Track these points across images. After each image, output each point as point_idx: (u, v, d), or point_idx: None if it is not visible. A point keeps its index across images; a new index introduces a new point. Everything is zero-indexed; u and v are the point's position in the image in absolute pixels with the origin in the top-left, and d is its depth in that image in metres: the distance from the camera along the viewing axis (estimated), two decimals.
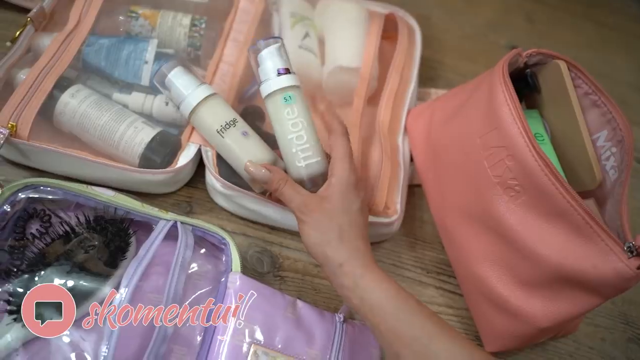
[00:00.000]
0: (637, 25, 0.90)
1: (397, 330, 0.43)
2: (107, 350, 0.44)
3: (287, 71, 0.51)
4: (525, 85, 0.58)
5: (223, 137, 0.51)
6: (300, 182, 0.51)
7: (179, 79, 0.52)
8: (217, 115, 0.51)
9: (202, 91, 0.52)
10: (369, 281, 0.45)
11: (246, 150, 0.51)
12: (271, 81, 0.50)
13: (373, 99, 0.66)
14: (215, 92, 0.52)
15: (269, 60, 0.51)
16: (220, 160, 0.55)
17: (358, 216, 0.48)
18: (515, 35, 0.82)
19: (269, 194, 0.55)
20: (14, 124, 0.52)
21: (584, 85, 0.55)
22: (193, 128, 0.57)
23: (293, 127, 0.50)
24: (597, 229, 0.47)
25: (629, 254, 0.46)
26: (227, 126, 0.51)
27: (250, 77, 0.63)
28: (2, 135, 0.51)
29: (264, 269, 0.56)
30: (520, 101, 0.60)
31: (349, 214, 0.48)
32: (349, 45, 0.65)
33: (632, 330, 0.61)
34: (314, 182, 0.51)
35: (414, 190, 0.64)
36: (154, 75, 0.52)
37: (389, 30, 0.70)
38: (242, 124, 0.52)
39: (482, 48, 0.79)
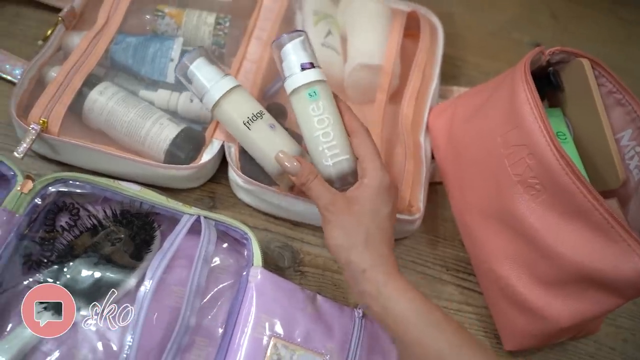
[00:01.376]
0: None
1: (422, 343, 0.42)
2: (132, 340, 0.46)
3: (312, 65, 0.49)
4: (548, 83, 0.57)
5: (250, 129, 0.49)
6: (329, 181, 0.49)
7: (201, 70, 0.50)
8: (242, 107, 0.50)
9: (227, 83, 0.50)
10: (393, 290, 0.43)
11: (273, 143, 0.49)
12: (295, 76, 0.49)
13: (395, 97, 0.67)
14: (239, 84, 0.51)
15: (293, 54, 0.49)
16: (243, 156, 0.56)
17: (386, 220, 0.46)
18: (539, 32, 0.82)
19: (293, 188, 0.54)
20: (45, 120, 0.54)
21: (607, 84, 0.55)
22: (217, 124, 0.58)
23: (319, 123, 0.48)
24: (619, 228, 0.46)
25: None
26: (254, 118, 0.49)
27: (274, 74, 0.64)
28: (34, 131, 0.53)
29: (284, 263, 0.57)
30: (543, 99, 0.59)
31: (377, 217, 0.46)
32: (371, 42, 0.66)
33: None
34: (344, 181, 0.50)
35: (434, 187, 0.64)
36: (176, 67, 0.50)
37: (412, 28, 0.70)
38: (268, 117, 0.50)
39: (505, 46, 0.78)
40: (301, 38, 0.50)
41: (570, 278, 0.50)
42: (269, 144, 0.49)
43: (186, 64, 0.50)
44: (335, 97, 0.51)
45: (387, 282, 0.43)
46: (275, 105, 0.64)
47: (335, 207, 0.46)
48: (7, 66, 0.61)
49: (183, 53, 0.61)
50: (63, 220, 0.53)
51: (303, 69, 0.49)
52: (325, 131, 0.48)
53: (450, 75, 0.74)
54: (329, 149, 0.48)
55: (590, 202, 0.47)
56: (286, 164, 0.48)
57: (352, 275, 0.45)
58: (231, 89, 0.49)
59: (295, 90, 0.49)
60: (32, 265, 0.50)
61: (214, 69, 0.50)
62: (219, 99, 0.49)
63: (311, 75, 0.49)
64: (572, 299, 0.51)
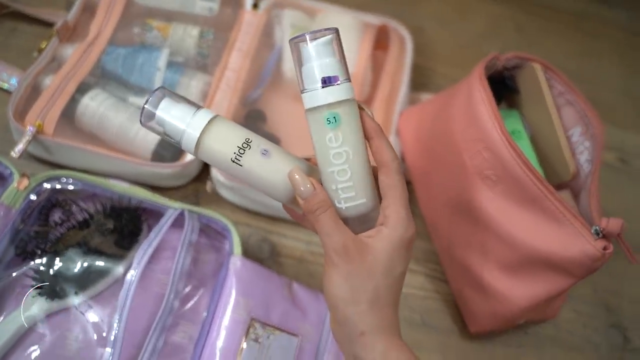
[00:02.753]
0: (626, 34, 0.95)
1: None
2: (119, 322, 0.49)
3: (337, 80, 0.37)
4: (505, 87, 0.62)
5: (241, 165, 0.39)
6: (343, 221, 0.39)
7: (170, 112, 0.39)
8: (226, 142, 0.39)
9: (201, 118, 0.39)
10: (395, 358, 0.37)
11: (273, 171, 0.39)
12: (313, 93, 0.37)
13: (366, 103, 0.72)
14: (216, 115, 0.40)
15: (315, 60, 0.37)
16: None
17: (399, 281, 0.39)
18: (506, 45, 0.87)
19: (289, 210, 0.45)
20: (41, 122, 0.58)
21: (558, 85, 0.60)
22: None
23: (335, 158, 0.38)
24: (567, 213, 0.51)
25: (595, 236, 0.50)
26: (242, 151, 0.39)
27: (253, 82, 0.69)
28: (30, 132, 0.57)
29: (263, 255, 0.61)
30: (501, 101, 0.65)
31: (391, 276, 0.38)
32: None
33: (613, 317, 0.65)
34: (359, 225, 0.40)
35: None
36: (141, 116, 0.40)
37: (383, 41, 0.75)
38: (257, 141, 0.39)
39: (472, 57, 0.83)
40: (328, 38, 0.37)
41: (526, 261, 0.54)
42: (269, 173, 0.39)
43: (150, 110, 0.40)
44: (364, 117, 0.39)
45: (386, 353, 0.37)
46: (256, 112, 0.68)
47: (346, 251, 0.37)
48: (5, 75, 0.65)
49: (169, 63, 0.66)
50: (56, 215, 0.57)
51: (324, 84, 0.37)
52: (342, 169, 0.38)
53: (420, 83, 0.79)
54: (343, 190, 0.38)
55: (540, 189, 0.51)
56: (300, 186, 0.38)
57: (346, 334, 0.38)
58: (208, 123, 0.39)
59: (312, 110, 0.38)
60: (27, 255, 0.54)
61: (184, 106, 0.40)
62: (198, 141, 0.39)
63: (334, 94, 0.37)
64: (529, 281, 0.55)
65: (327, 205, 0.38)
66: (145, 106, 0.40)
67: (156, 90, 0.40)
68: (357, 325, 0.37)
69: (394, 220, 0.38)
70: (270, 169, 0.39)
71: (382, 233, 0.38)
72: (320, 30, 0.37)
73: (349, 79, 0.38)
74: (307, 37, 0.37)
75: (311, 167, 0.40)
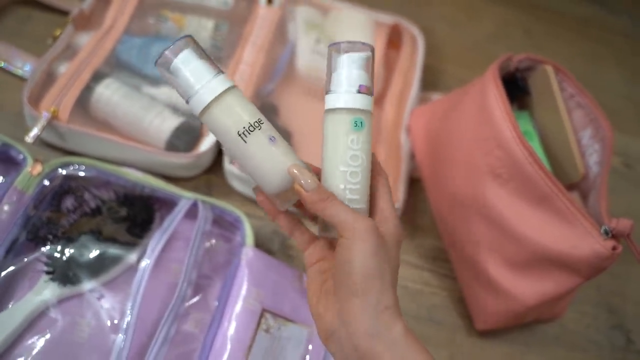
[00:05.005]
0: (629, 40, 0.96)
1: None
2: (132, 308, 0.50)
3: (368, 91, 0.40)
4: (516, 88, 0.63)
5: (246, 142, 0.39)
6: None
7: (189, 66, 0.39)
8: (237, 115, 0.39)
9: (220, 83, 0.39)
10: (413, 344, 0.37)
11: (274, 159, 0.39)
12: (344, 96, 0.39)
13: (378, 101, 0.72)
14: (234, 85, 0.40)
15: (351, 69, 0.40)
16: None
17: (397, 273, 0.40)
18: (513, 47, 0.88)
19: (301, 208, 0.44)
20: (56, 109, 0.58)
21: (569, 88, 0.61)
22: None
23: (352, 159, 0.40)
24: (577, 213, 0.52)
25: (604, 235, 0.51)
26: (252, 128, 0.39)
27: (267, 76, 0.69)
28: (45, 118, 0.57)
29: (274, 247, 0.61)
30: (512, 103, 0.65)
31: (397, 264, 0.40)
32: None
33: (615, 318, 0.66)
34: None
35: (413, 183, 0.69)
36: (157, 58, 0.39)
37: (395, 40, 0.76)
38: (268, 127, 0.40)
39: (481, 58, 0.84)
40: (368, 54, 0.40)
41: (535, 260, 0.55)
42: (269, 159, 0.39)
43: (169, 56, 0.39)
44: None
45: (406, 335, 0.37)
46: (268, 106, 0.69)
47: (375, 229, 0.38)
48: (19, 62, 0.65)
49: None
50: (68, 202, 0.57)
51: (359, 91, 0.40)
52: (355, 171, 0.40)
53: (430, 83, 0.79)
54: (351, 191, 0.40)
55: (551, 188, 0.52)
56: (302, 180, 0.39)
57: (366, 309, 0.37)
58: (225, 90, 0.39)
59: (338, 111, 0.40)
60: (39, 241, 0.54)
61: (205, 65, 0.39)
62: (210, 103, 0.39)
63: (365, 102, 0.40)
64: (537, 280, 0.56)
65: (332, 194, 0.40)
66: (166, 51, 0.39)
67: (183, 37, 0.39)
68: (381, 299, 0.37)
69: (394, 220, 0.41)
70: (272, 156, 0.39)
71: (388, 226, 0.40)
72: (357, 42, 0.41)
73: (373, 94, 0.41)
74: (349, 45, 0.41)
75: (310, 170, 0.41)
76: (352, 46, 0.40)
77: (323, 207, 0.39)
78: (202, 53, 0.40)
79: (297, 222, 0.44)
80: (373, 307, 0.37)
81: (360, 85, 0.40)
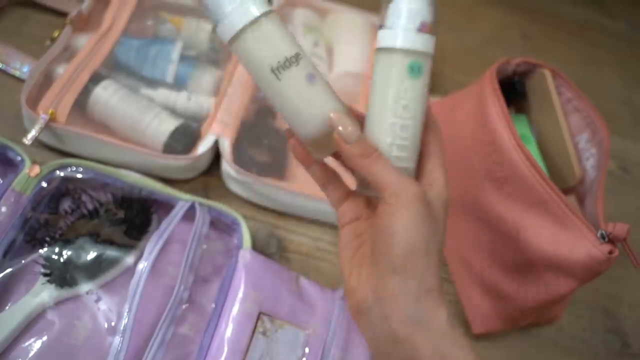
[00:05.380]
0: (627, 44, 0.97)
1: None
2: (129, 311, 0.49)
3: (431, 30, 0.35)
4: (514, 91, 0.63)
5: (279, 79, 0.34)
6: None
7: None
8: (273, 46, 0.34)
9: (255, 7, 0.34)
10: (460, 337, 0.33)
11: (310, 101, 0.35)
12: (401, 33, 0.34)
13: None
14: (273, 10, 0.35)
15: (414, 2, 0.35)
16: (236, 149, 0.61)
17: (442, 255, 0.37)
18: (511, 51, 0.88)
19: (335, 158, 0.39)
20: (54, 110, 0.58)
21: (566, 92, 0.61)
22: (213, 120, 0.63)
23: (404, 110, 0.35)
24: (573, 217, 0.52)
25: (601, 240, 0.51)
26: (287, 64, 0.34)
27: None
28: (43, 120, 0.57)
29: (270, 250, 0.61)
30: (510, 106, 0.65)
31: (444, 233, 0.36)
32: (355, 52, 0.72)
33: (611, 322, 0.66)
34: None
35: None
36: None
37: None
38: (306, 63, 0.35)
39: (479, 62, 0.84)
40: None
41: (531, 263, 0.55)
42: (306, 101, 0.35)
43: None
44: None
45: (451, 325, 0.33)
46: (266, 109, 0.69)
47: (423, 196, 0.33)
48: (17, 63, 0.65)
49: (182, 57, 0.66)
50: (66, 204, 0.57)
51: (420, 30, 0.35)
52: (406, 123, 0.35)
53: None
54: (399, 147, 0.35)
55: (548, 192, 0.52)
56: (342, 130, 0.34)
57: (408, 289, 0.32)
58: (261, 15, 0.34)
59: (393, 51, 0.35)
60: (36, 243, 0.54)
61: None
62: (241, 30, 0.34)
63: (426, 43, 0.35)
64: (534, 283, 0.56)
65: (376, 147, 0.35)
66: None
67: None
68: (425, 280, 0.32)
69: (443, 183, 0.36)
70: (310, 97, 0.35)
71: (435, 190, 0.35)
72: None
73: (436, 34, 0.36)
74: None
75: (352, 118, 0.36)
76: None
77: (365, 163, 0.34)
78: None
79: (332, 174, 0.39)
80: (415, 287, 0.32)
81: (421, 22, 0.35)
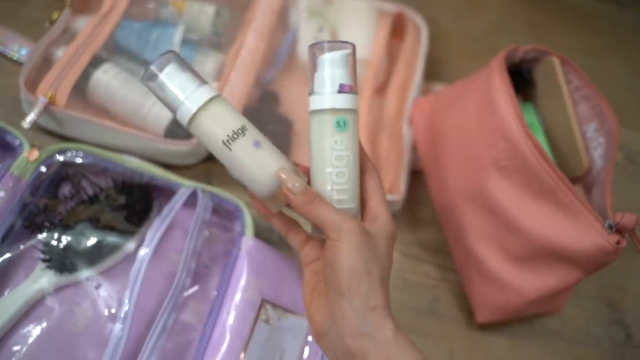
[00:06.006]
0: (633, 34, 0.95)
1: None
2: (130, 297, 0.49)
3: (351, 90, 0.40)
4: (521, 79, 0.62)
5: (231, 149, 0.40)
6: None
7: (173, 79, 0.40)
8: (222, 123, 0.40)
9: (203, 94, 0.40)
10: (404, 343, 0.37)
11: (260, 163, 0.40)
12: (326, 96, 0.40)
13: (381, 90, 0.71)
14: (218, 94, 0.41)
15: (331, 68, 0.40)
16: None
17: (390, 271, 0.40)
18: (517, 39, 0.86)
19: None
20: (53, 93, 0.57)
21: (575, 80, 0.60)
22: None
23: (337, 160, 0.40)
24: (581, 206, 0.51)
25: (608, 230, 0.50)
26: (235, 136, 0.40)
27: (269, 63, 0.68)
28: (42, 103, 0.56)
29: (273, 238, 0.61)
30: (517, 94, 0.64)
31: (388, 263, 0.40)
32: (360, 38, 0.70)
33: (615, 314, 0.65)
34: None
35: (415, 175, 0.68)
36: (143, 75, 0.40)
37: (398, 29, 0.75)
38: (252, 132, 0.40)
39: (484, 49, 0.83)
40: (348, 52, 0.40)
41: (537, 253, 0.54)
42: (256, 164, 0.40)
43: (155, 72, 0.40)
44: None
45: (397, 333, 0.37)
46: (269, 94, 0.68)
47: (360, 228, 0.38)
48: (15, 46, 0.64)
49: (184, 40, 0.65)
50: (65, 189, 0.56)
51: (340, 91, 0.40)
52: (341, 171, 0.40)
53: (432, 74, 0.78)
54: (338, 192, 0.40)
55: (555, 181, 0.51)
56: (288, 184, 0.39)
57: (355, 310, 0.37)
58: (209, 100, 0.40)
59: (321, 112, 0.40)
60: (35, 228, 0.53)
61: (189, 77, 0.40)
62: (195, 113, 0.40)
63: (347, 101, 0.40)
64: (539, 273, 0.55)
65: (318, 194, 0.40)
66: (151, 67, 0.40)
67: (166, 53, 0.40)
68: (369, 299, 0.37)
69: (385, 217, 0.40)
70: (259, 160, 0.40)
71: (378, 224, 0.40)
72: (338, 41, 0.41)
73: (357, 92, 0.41)
74: (329, 45, 0.40)
75: (297, 171, 0.41)
76: (333, 45, 0.40)
77: (309, 209, 0.39)
78: (186, 66, 0.41)
79: (291, 223, 0.44)
80: (362, 306, 0.37)
81: (341, 85, 0.40)
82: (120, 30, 0.64)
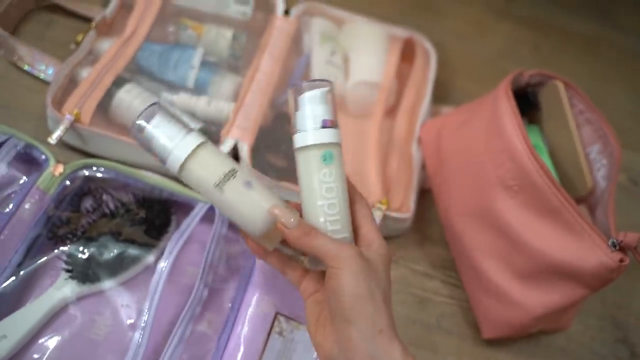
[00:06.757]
0: (635, 59, 0.98)
1: None
2: (149, 307, 0.51)
3: (333, 124, 0.42)
4: (527, 102, 0.65)
5: (223, 192, 0.41)
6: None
7: (161, 129, 0.41)
8: (211, 167, 0.42)
9: (190, 141, 0.41)
10: None
11: (252, 203, 0.42)
12: (309, 133, 0.41)
13: (390, 112, 0.74)
14: (206, 140, 0.42)
15: (312, 106, 0.42)
16: (255, 153, 0.62)
17: (390, 293, 0.41)
18: (522, 63, 0.89)
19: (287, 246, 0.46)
20: (79, 111, 0.60)
21: (579, 104, 0.62)
22: (232, 125, 0.64)
23: (327, 192, 0.41)
24: (585, 225, 0.53)
25: (612, 248, 0.52)
26: (227, 178, 0.41)
27: (284, 86, 0.71)
28: (68, 120, 0.59)
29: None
30: (522, 117, 0.67)
31: (388, 285, 0.41)
32: (371, 62, 0.73)
33: (620, 332, 0.67)
34: None
35: (424, 194, 0.70)
36: (131, 128, 0.42)
37: (408, 53, 0.78)
38: (242, 173, 0.42)
39: (490, 73, 0.86)
40: (326, 89, 0.42)
41: (542, 271, 0.56)
42: (248, 204, 0.42)
43: (142, 125, 0.42)
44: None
45: (406, 356, 0.38)
46: (283, 115, 0.70)
47: (358, 254, 0.40)
48: (42, 66, 0.67)
49: (203, 62, 0.68)
50: (88, 202, 0.58)
51: (323, 126, 0.41)
52: (332, 202, 0.41)
53: (440, 97, 0.81)
54: (331, 223, 0.42)
55: (561, 201, 0.53)
56: (283, 219, 0.41)
57: (361, 333, 0.38)
58: (197, 147, 0.41)
59: (306, 148, 0.42)
60: (59, 240, 0.55)
61: (175, 126, 0.42)
62: (184, 161, 0.41)
63: (330, 135, 0.42)
64: (545, 291, 0.57)
65: (313, 227, 0.41)
66: (137, 121, 0.42)
67: (151, 105, 0.42)
68: (375, 323, 0.38)
69: (379, 242, 0.42)
70: (251, 200, 0.41)
71: (373, 249, 0.41)
72: (316, 80, 0.43)
73: (338, 126, 0.43)
74: (308, 85, 0.42)
75: (289, 207, 0.42)
76: (311, 84, 0.42)
77: (306, 241, 0.40)
78: (172, 115, 0.43)
79: (287, 259, 0.46)
80: (369, 330, 0.38)
81: (323, 120, 0.41)
82: (142, 53, 0.67)
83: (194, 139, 0.42)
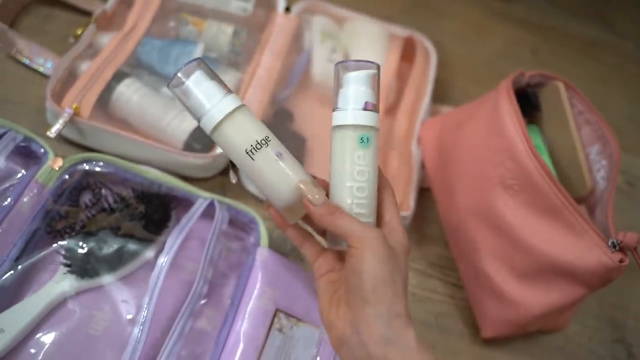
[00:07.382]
0: (633, 65, 0.99)
1: None
2: (149, 302, 0.50)
3: (374, 108, 0.41)
4: (527, 102, 0.65)
5: (253, 159, 0.41)
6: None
7: (200, 87, 0.41)
8: (246, 132, 0.41)
9: (229, 103, 0.41)
10: (426, 352, 0.37)
11: (281, 174, 0.41)
12: (351, 113, 0.41)
13: (391, 111, 0.74)
14: (243, 104, 0.42)
15: (357, 86, 0.41)
16: None
17: (406, 288, 0.41)
18: (521, 65, 0.89)
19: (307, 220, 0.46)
20: (78, 105, 0.59)
21: (578, 105, 0.63)
22: None
23: (359, 175, 0.41)
24: (585, 225, 0.53)
25: (612, 248, 0.52)
26: (259, 146, 0.41)
27: (283, 82, 0.71)
28: (67, 114, 0.58)
29: (286, 249, 0.62)
30: (523, 117, 0.67)
31: (406, 274, 0.41)
32: (371, 60, 0.73)
33: (618, 332, 0.67)
34: None
35: (423, 193, 0.70)
36: (170, 81, 0.41)
37: (408, 52, 0.78)
38: (275, 143, 0.41)
39: (489, 74, 0.87)
40: (372, 72, 0.42)
41: (542, 270, 0.56)
42: (277, 175, 0.41)
43: (181, 78, 0.41)
44: None
45: (420, 342, 0.38)
46: (283, 112, 0.70)
47: (383, 237, 0.39)
48: (41, 59, 0.67)
49: (203, 58, 0.67)
50: (87, 197, 0.57)
51: (365, 108, 0.41)
52: (361, 185, 0.41)
53: (439, 96, 0.81)
54: (358, 206, 0.41)
55: (561, 200, 0.54)
56: (309, 195, 0.40)
57: (378, 316, 0.37)
58: (235, 109, 0.41)
59: (345, 127, 0.41)
60: (57, 234, 0.54)
61: (215, 85, 0.41)
62: (220, 122, 0.40)
63: (371, 118, 0.41)
64: (544, 289, 0.57)
65: (341, 209, 0.41)
66: (178, 73, 0.41)
67: (193, 60, 0.41)
68: (393, 306, 0.38)
69: (401, 232, 0.42)
70: (280, 171, 0.41)
71: (395, 238, 0.41)
72: (363, 61, 0.42)
73: (379, 111, 0.42)
74: (354, 64, 0.42)
75: (316, 184, 0.42)
76: (359, 64, 0.42)
77: (331, 220, 0.40)
78: (213, 74, 0.42)
79: (306, 234, 0.46)
80: (386, 314, 0.37)
81: (366, 102, 0.41)
82: (142, 47, 0.67)
83: (233, 101, 0.41)
